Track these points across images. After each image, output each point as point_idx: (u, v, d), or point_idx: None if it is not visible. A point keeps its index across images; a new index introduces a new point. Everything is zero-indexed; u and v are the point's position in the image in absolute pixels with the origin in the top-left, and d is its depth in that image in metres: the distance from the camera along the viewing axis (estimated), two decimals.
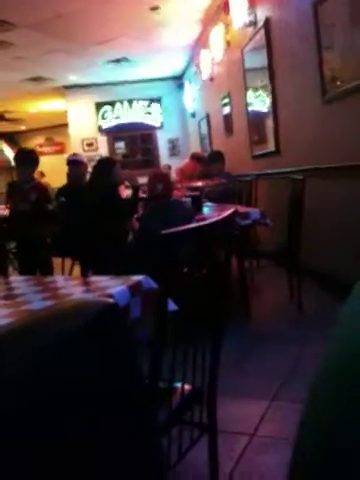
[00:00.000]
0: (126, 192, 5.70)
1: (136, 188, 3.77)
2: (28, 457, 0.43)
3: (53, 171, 12.79)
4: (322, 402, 0.37)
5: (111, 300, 0.53)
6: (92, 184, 3.65)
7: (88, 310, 0.47)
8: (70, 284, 1.80)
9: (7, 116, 11.92)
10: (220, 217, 1.23)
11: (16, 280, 1.97)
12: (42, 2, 5.56)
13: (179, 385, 1.35)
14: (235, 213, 1.29)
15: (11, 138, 14.94)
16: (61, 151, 14.53)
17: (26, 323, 0.46)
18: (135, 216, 3.50)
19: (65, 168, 5.15)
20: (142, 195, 3.81)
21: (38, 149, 15.12)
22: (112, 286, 1.53)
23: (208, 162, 5.54)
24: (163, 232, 1.11)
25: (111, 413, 0.49)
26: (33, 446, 0.43)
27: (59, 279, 1.95)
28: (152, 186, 3.21)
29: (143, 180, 8.27)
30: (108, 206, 3.36)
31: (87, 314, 0.46)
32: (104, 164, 3.70)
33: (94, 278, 1.83)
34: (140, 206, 3.80)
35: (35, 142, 15.17)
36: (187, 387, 1.37)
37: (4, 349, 0.41)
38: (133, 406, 0.52)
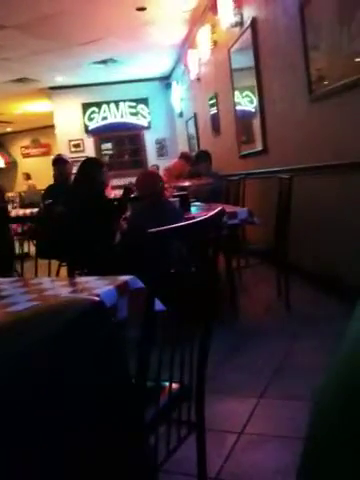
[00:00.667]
0: (111, 191, 5.69)
1: (128, 189, 3.74)
2: (16, 455, 0.43)
3: (39, 173, 12.71)
4: (329, 417, 0.37)
5: (97, 298, 0.53)
6: (77, 187, 3.63)
7: (74, 307, 0.47)
8: (57, 285, 1.79)
9: None
10: (207, 216, 1.23)
11: (1, 281, 1.95)
12: (28, 3, 5.53)
13: (167, 384, 1.35)
14: (222, 212, 1.29)
15: None
16: (47, 153, 14.44)
17: (12, 321, 0.46)
18: (123, 216, 3.48)
19: (51, 169, 5.14)
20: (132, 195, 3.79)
21: (24, 151, 15.06)
22: (99, 286, 1.52)
23: (195, 162, 5.55)
24: (150, 231, 1.11)
25: (98, 408, 0.49)
26: (20, 446, 0.43)
27: (46, 280, 1.93)
28: (142, 186, 3.21)
29: (131, 180, 8.26)
30: (94, 209, 3.34)
31: (73, 311, 0.46)
32: (90, 165, 3.67)
33: (81, 279, 1.83)
34: (129, 206, 3.78)
35: (21, 144, 15.07)
36: (175, 385, 1.37)
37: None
38: (119, 402, 0.52)
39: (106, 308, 0.53)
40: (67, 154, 8.52)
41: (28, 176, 12.01)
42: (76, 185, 3.68)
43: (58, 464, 0.47)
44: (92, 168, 3.59)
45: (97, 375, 0.51)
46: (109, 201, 3.73)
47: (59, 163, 5.02)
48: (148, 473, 0.61)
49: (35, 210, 6.46)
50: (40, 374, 0.44)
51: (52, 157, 13.89)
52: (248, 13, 4.86)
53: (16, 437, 0.42)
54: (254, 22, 4.66)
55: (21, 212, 7.42)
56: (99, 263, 2.97)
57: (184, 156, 6.71)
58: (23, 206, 9.54)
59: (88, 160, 4.04)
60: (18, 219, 5.48)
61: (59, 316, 0.48)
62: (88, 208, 3.32)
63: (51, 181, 5.14)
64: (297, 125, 3.97)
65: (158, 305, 1.36)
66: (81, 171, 3.60)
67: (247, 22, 4.83)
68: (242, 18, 5.06)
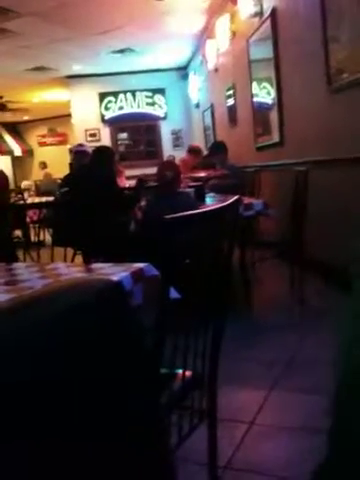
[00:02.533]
0: (126, 182, 5.69)
1: (141, 180, 3.75)
2: (32, 428, 0.43)
3: (55, 162, 12.78)
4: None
5: (114, 278, 0.53)
6: (91, 173, 3.64)
7: (93, 286, 0.47)
8: (72, 271, 1.81)
9: (10, 106, 11.88)
10: (224, 203, 1.23)
11: (18, 266, 1.97)
12: None
13: (180, 371, 1.35)
14: (239, 200, 1.29)
15: (13, 128, 14.92)
16: (64, 142, 14.51)
17: (32, 296, 0.47)
18: (138, 205, 3.49)
19: (68, 158, 5.15)
20: (151, 184, 3.79)
21: (40, 140, 15.14)
22: (114, 272, 1.53)
23: (210, 153, 5.51)
24: (167, 217, 1.11)
25: (116, 389, 0.49)
26: (36, 418, 0.43)
27: (61, 266, 1.95)
28: (161, 174, 3.22)
29: (146, 171, 8.26)
30: (107, 195, 3.35)
31: (92, 289, 0.46)
32: (103, 153, 3.67)
33: (96, 265, 1.84)
34: (147, 195, 3.79)
35: (38, 132, 15.15)
36: (188, 373, 1.37)
37: (13, 318, 0.42)
38: (138, 382, 0.52)
39: (123, 289, 0.53)
40: (83, 143, 8.55)
41: (44, 165, 12.07)
42: (87, 172, 3.70)
43: (73, 437, 0.48)
44: (103, 156, 3.60)
45: (112, 355, 0.51)
46: (121, 189, 3.74)
47: (79, 154, 5.00)
48: (167, 454, 0.61)
49: (51, 198, 6.50)
50: (59, 349, 0.44)
51: (69, 146, 13.97)
52: (268, 3, 4.80)
53: (40, 403, 0.43)
54: (274, 12, 4.61)
55: (37, 200, 7.47)
56: (114, 251, 2.98)
57: (192, 150, 6.63)
58: (39, 194, 9.59)
59: (99, 148, 4.04)
60: (32, 205, 5.52)
61: (79, 293, 0.48)
62: (99, 196, 3.33)
63: (67, 170, 5.15)
64: (315, 117, 3.93)
65: (173, 293, 1.36)
66: (93, 159, 3.61)
67: (267, 12, 4.78)
68: (262, 8, 5.00)
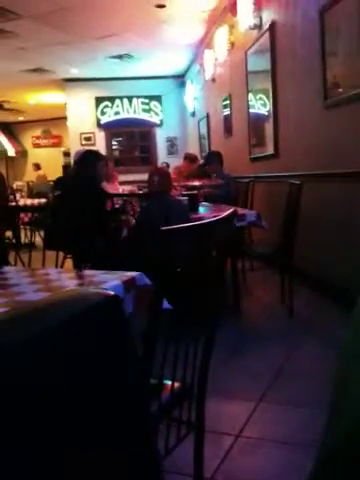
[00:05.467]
0: (119, 187, 5.68)
1: (123, 207, 3.71)
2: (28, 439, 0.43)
3: (49, 164, 12.75)
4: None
5: (111, 292, 0.53)
6: (74, 178, 3.63)
7: (90, 299, 0.47)
8: (63, 277, 1.80)
9: (6, 106, 11.85)
10: (221, 216, 1.22)
11: (8, 270, 1.96)
12: None
13: (169, 382, 1.35)
14: (235, 213, 1.29)
15: (8, 128, 14.87)
16: (58, 144, 14.47)
17: (30, 308, 0.46)
18: (130, 213, 3.49)
19: (62, 161, 5.14)
20: (140, 191, 3.78)
21: (35, 141, 15.10)
22: (106, 280, 1.53)
23: (206, 162, 5.53)
24: (163, 228, 1.11)
25: (109, 400, 0.49)
26: (33, 432, 0.43)
27: (52, 271, 1.94)
28: (150, 180, 3.22)
29: (139, 177, 8.25)
30: (90, 199, 3.33)
31: (89, 302, 0.46)
32: (88, 158, 3.66)
33: (88, 272, 1.83)
34: (138, 202, 3.78)
35: (32, 134, 15.11)
36: (177, 384, 1.37)
37: (7, 333, 0.41)
38: (130, 394, 0.52)
39: (120, 302, 0.54)
40: (78, 147, 8.54)
41: (38, 166, 12.03)
42: (73, 177, 3.69)
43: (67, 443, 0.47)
44: (90, 161, 3.59)
45: (110, 365, 0.51)
46: (106, 194, 3.71)
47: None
48: (155, 462, 0.61)
49: (43, 200, 6.48)
50: (54, 362, 0.44)
51: (63, 149, 13.89)
52: (267, 16, 4.84)
53: (34, 418, 0.42)
54: (273, 25, 4.65)
55: (29, 202, 7.44)
56: (100, 257, 2.97)
57: (188, 157, 6.68)
58: (31, 196, 9.55)
59: (86, 152, 4.03)
60: (25, 209, 5.50)
61: (72, 307, 0.48)
62: (83, 199, 3.31)
63: (60, 172, 5.14)
64: (310, 131, 3.96)
65: (164, 304, 1.36)
66: (78, 163, 3.61)
67: (266, 25, 4.82)
68: (261, 21, 5.05)
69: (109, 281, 1.50)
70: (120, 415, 0.51)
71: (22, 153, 15.03)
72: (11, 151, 14.64)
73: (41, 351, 0.42)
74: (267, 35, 4.77)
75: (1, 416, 0.39)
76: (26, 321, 0.43)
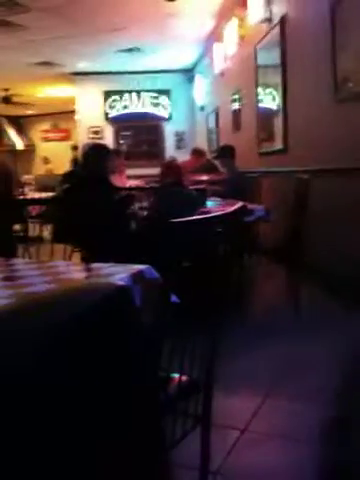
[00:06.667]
0: (127, 181, 5.68)
1: (128, 197, 3.72)
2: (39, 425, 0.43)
3: (57, 157, 12.77)
4: None
5: (122, 283, 0.53)
6: (81, 171, 3.64)
7: (100, 290, 0.47)
8: (72, 269, 1.80)
9: (15, 99, 11.87)
10: (231, 209, 1.22)
11: (16, 262, 1.97)
12: None
13: (176, 376, 1.35)
14: (244, 207, 1.29)
15: (17, 122, 14.90)
16: (67, 138, 14.49)
17: (42, 297, 0.46)
18: (139, 205, 3.49)
19: (70, 154, 5.15)
20: (153, 185, 3.79)
21: (43, 135, 15.12)
22: (114, 273, 1.52)
23: (218, 155, 5.49)
24: (175, 221, 1.11)
25: (120, 388, 0.49)
26: (43, 420, 0.43)
27: (61, 264, 1.94)
28: (163, 178, 3.24)
29: (147, 171, 8.25)
30: (98, 192, 3.33)
31: (99, 293, 0.46)
32: (95, 151, 3.66)
33: (96, 265, 1.83)
34: (150, 195, 3.78)
35: (41, 127, 15.13)
36: (184, 378, 1.37)
37: (21, 321, 0.41)
38: (142, 382, 0.52)
39: (130, 293, 0.54)
40: (86, 141, 8.55)
41: (47, 160, 12.06)
42: (81, 170, 3.69)
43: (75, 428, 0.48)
44: (98, 154, 3.58)
45: (118, 356, 0.51)
46: (115, 188, 3.71)
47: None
48: (161, 444, 0.62)
49: (50, 194, 6.48)
50: (67, 350, 0.44)
51: (71, 143, 13.91)
52: (278, 10, 4.80)
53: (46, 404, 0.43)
54: (283, 19, 4.61)
55: (36, 195, 7.46)
56: (113, 250, 2.97)
57: (196, 151, 6.67)
58: (38, 190, 9.58)
59: (94, 146, 4.02)
60: (33, 201, 5.52)
61: (83, 298, 0.48)
62: (92, 193, 3.31)
63: (69, 166, 5.15)
64: (320, 126, 3.93)
65: (173, 298, 1.35)
66: (85, 156, 3.61)
67: (276, 19, 4.78)
68: (271, 14, 5.01)
69: (117, 274, 1.50)
70: (131, 403, 0.51)
71: (31, 147, 15.06)
72: (20, 145, 14.68)
73: (52, 341, 0.42)
74: (277, 29, 4.73)
75: (14, 400, 0.40)
76: (39, 311, 0.43)
